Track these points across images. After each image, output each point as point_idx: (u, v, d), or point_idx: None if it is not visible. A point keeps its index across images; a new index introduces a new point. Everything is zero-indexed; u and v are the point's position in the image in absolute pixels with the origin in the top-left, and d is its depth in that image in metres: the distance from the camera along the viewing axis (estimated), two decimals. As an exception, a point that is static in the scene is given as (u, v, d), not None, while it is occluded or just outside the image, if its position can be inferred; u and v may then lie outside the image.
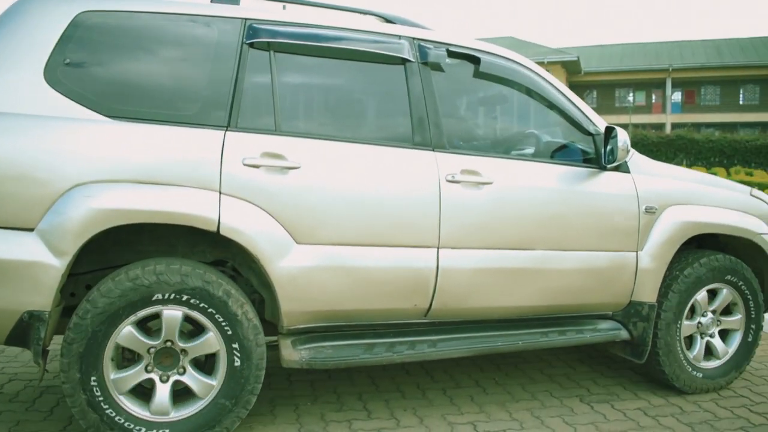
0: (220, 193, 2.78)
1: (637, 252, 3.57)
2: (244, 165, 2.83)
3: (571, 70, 38.88)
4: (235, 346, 2.84)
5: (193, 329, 2.88)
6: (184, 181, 2.74)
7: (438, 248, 3.12)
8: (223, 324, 2.82)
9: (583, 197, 3.45)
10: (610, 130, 3.46)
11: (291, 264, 2.87)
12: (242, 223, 2.79)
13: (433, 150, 3.18)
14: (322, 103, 3.31)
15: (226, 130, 2.86)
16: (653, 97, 42.12)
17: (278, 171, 2.87)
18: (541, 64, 34.09)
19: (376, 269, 3.02)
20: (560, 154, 3.65)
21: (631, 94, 42.72)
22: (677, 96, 41.77)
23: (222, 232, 2.76)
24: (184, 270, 2.77)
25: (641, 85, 41.87)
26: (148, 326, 2.83)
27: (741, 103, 41.09)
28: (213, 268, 2.91)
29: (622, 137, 3.41)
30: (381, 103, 3.40)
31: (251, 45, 2.99)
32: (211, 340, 2.83)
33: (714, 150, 26.34)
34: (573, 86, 39.89)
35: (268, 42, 3.01)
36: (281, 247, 2.86)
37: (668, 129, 37.08)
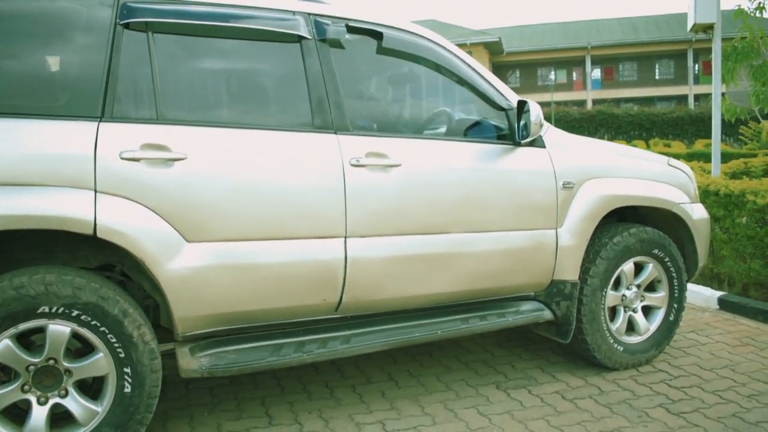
0: (96, 191, 2.47)
1: (556, 229, 3.44)
2: (122, 159, 2.53)
3: (493, 50, 39.30)
4: (127, 370, 2.56)
5: (81, 348, 2.58)
6: (53, 181, 2.43)
7: (345, 238, 2.90)
8: (116, 345, 2.53)
9: (498, 175, 3.28)
10: (522, 104, 3.30)
11: (181, 265, 2.60)
12: (122, 224, 2.50)
13: (335, 133, 2.95)
14: (211, 88, 3.03)
15: (100, 121, 2.55)
16: (574, 74, 43.05)
17: (161, 163, 2.59)
18: (463, 45, 34.33)
19: (277, 265, 2.77)
20: (473, 131, 3.47)
21: (552, 73, 43.53)
22: (597, 73, 42.80)
23: (99, 234, 2.47)
24: (77, 282, 2.47)
25: (562, 63, 42.69)
26: (30, 340, 2.52)
27: (657, 77, 42.42)
28: (111, 282, 2.62)
29: (535, 111, 3.25)
30: (276, 85, 3.14)
31: (126, 26, 2.69)
32: (100, 362, 2.54)
33: (633, 124, 27.14)
34: (496, 66, 40.40)
35: (145, 22, 2.71)
36: (169, 247, 2.58)
37: (589, 105, 37.95)
